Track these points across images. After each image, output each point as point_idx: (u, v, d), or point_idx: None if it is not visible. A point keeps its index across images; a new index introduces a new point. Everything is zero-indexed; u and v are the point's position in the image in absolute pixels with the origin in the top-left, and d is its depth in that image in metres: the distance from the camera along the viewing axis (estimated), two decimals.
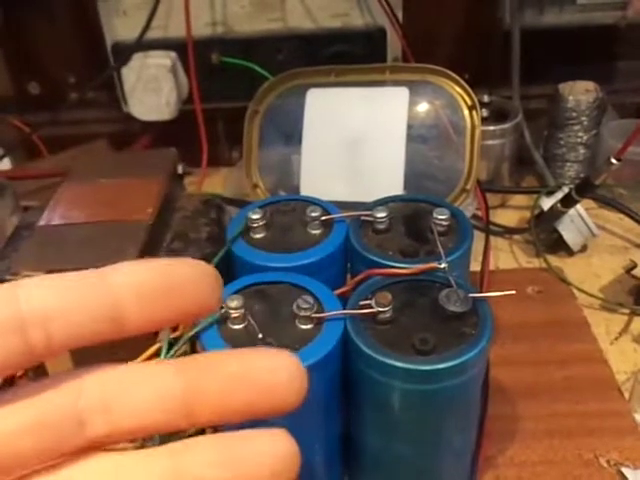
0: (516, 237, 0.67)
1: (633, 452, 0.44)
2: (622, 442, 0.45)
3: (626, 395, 0.48)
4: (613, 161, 0.53)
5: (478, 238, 0.56)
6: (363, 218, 0.43)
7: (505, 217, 0.69)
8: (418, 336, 0.34)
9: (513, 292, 0.35)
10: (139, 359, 0.37)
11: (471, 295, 0.36)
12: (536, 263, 0.63)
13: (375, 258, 0.40)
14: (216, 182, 0.74)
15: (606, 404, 0.48)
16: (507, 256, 0.65)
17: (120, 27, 0.68)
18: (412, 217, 0.44)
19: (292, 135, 0.61)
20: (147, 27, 0.67)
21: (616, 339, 0.54)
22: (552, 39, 0.73)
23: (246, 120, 0.61)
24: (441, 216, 0.41)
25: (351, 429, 0.40)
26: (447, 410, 0.36)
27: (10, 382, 0.53)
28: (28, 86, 0.79)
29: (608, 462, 0.44)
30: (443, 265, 0.37)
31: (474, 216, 0.63)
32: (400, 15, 0.68)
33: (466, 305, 0.35)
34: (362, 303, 0.36)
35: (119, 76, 0.70)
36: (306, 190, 0.60)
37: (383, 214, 0.42)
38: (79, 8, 0.74)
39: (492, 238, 0.63)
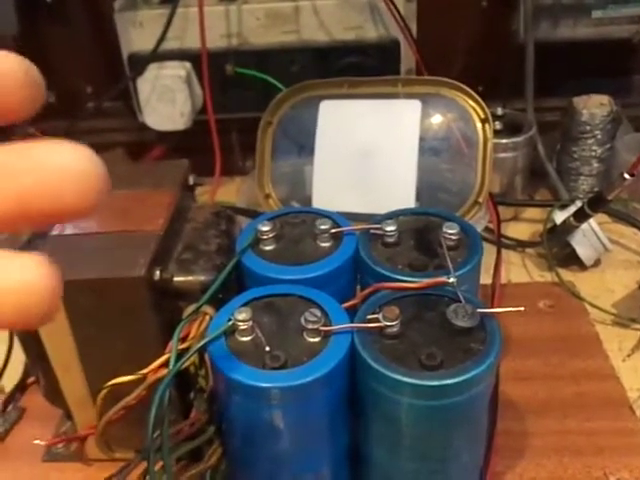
0: (528, 250, 0.66)
1: None
2: (632, 460, 0.44)
3: (638, 413, 0.48)
4: (626, 176, 0.53)
5: (490, 251, 0.56)
6: (373, 231, 0.43)
7: (517, 230, 0.69)
8: (425, 351, 0.34)
9: (521, 308, 0.35)
10: (148, 369, 0.38)
11: (479, 310, 0.36)
12: (548, 277, 0.63)
13: (384, 271, 0.40)
14: (229, 191, 0.74)
15: (617, 422, 0.47)
16: (519, 269, 0.64)
17: (136, 38, 0.69)
18: (422, 231, 0.44)
19: (305, 146, 0.61)
20: (162, 38, 0.67)
21: (629, 356, 0.54)
22: (566, 52, 0.73)
23: (259, 131, 0.62)
24: (451, 230, 0.41)
25: (359, 442, 0.40)
26: (454, 425, 0.35)
27: (21, 388, 0.53)
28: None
29: None
30: (452, 280, 0.37)
31: (486, 229, 0.63)
32: (414, 27, 0.68)
33: (474, 320, 0.35)
34: (370, 317, 0.36)
35: (135, 86, 0.71)
36: (318, 201, 0.60)
37: (392, 227, 0.42)
38: (96, 19, 0.75)
39: (504, 251, 0.63)
